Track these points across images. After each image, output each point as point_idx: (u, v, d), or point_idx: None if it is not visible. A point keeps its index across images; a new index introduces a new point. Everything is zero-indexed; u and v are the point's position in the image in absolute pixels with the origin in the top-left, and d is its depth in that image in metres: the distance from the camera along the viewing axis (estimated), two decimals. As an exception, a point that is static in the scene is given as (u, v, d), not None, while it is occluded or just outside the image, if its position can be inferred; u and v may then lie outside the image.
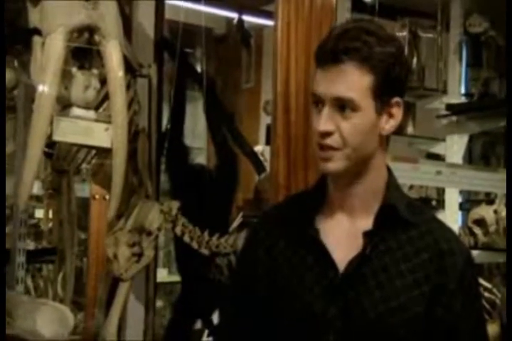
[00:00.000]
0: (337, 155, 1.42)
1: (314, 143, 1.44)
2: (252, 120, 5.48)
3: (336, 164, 1.42)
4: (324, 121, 1.41)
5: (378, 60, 1.40)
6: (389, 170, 1.53)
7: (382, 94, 1.42)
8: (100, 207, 3.44)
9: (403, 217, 1.47)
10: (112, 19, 2.23)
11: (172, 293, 4.12)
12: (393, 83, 1.44)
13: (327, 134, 1.41)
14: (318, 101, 1.43)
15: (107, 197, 3.00)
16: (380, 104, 1.43)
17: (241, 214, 3.20)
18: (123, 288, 2.48)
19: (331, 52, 1.40)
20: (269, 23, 4.61)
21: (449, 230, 1.53)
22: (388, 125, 1.45)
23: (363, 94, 1.40)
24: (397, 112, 1.46)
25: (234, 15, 4.77)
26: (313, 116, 1.45)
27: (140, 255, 2.47)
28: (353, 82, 1.40)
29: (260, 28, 5.32)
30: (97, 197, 3.46)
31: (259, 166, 3.41)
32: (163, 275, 4.20)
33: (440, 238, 1.47)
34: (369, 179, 1.48)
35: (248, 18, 4.75)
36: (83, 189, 3.51)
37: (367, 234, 1.44)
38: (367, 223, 1.47)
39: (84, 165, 2.98)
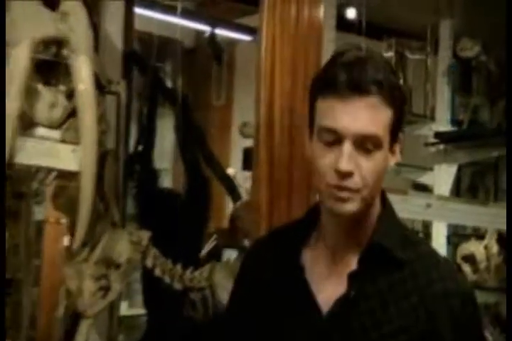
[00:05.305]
0: (354, 197, 1.29)
1: (324, 182, 1.30)
2: (222, 140, 5.30)
3: (352, 206, 1.30)
4: (346, 160, 1.27)
5: (396, 93, 1.31)
6: (384, 197, 1.41)
7: (395, 130, 1.32)
8: (55, 232, 3.26)
9: (394, 256, 1.35)
10: (82, 32, 2.10)
11: (134, 328, 3.93)
12: (403, 117, 1.35)
13: (348, 175, 1.27)
14: (334, 138, 1.28)
15: (63, 220, 2.84)
16: (392, 140, 1.32)
17: (213, 238, 3.04)
18: (85, 325, 2.30)
19: (355, 83, 1.26)
20: (243, 37, 4.46)
21: (446, 268, 1.40)
22: (391, 162, 1.35)
23: (385, 130, 1.29)
24: (398, 148, 1.36)
25: (204, 28, 4.55)
26: (318, 152, 1.31)
27: (107, 289, 2.30)
28: (379, 116, 1.28)
29: (233, 43, 5.14)
30: (51, 220, 3.28)
31: (233, 192, 3.22)
32: (124, 308, 3.99)
33: (434, 278, 1.34)
34: (368, 215, 1.37)
35: (219, 32, 4.55)
36: (38, 211, 3.32)
37: (351, 276, 1.33)
38: (355, 260, 1.35)
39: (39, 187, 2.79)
